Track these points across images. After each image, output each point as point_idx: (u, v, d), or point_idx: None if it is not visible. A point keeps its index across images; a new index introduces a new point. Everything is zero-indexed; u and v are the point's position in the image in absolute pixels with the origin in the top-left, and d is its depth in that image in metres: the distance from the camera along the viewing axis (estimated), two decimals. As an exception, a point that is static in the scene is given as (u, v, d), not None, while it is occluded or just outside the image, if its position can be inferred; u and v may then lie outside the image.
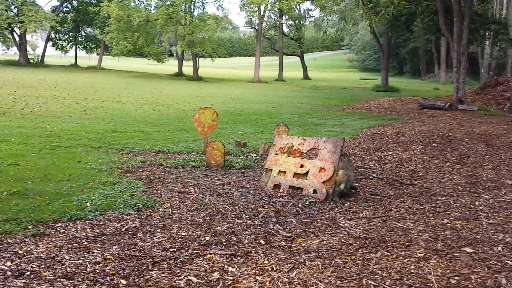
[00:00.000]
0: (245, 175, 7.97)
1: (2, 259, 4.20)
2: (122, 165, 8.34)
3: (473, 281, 3.98)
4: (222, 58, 69.21)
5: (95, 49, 55.22)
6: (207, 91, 28.79)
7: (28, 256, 4.29)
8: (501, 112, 19.66)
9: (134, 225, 5.28)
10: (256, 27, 44.99)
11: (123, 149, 9.89)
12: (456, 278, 4.02)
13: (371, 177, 7.87)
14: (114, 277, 3.93)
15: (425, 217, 5.80)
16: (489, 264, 4.36)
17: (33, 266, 4.09)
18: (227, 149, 9.52)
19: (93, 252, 4.44)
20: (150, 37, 41.27)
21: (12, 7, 47.45)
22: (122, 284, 3.81)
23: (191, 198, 6.44)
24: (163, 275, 4.00)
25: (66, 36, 54.95)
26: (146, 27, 39.37)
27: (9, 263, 4.11)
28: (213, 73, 49.86)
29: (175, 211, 5.84)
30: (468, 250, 4.70)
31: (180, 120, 14.80)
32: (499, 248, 4.78)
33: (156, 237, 4.92)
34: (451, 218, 5.80)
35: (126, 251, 4.50)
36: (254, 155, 9.72)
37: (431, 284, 3.88)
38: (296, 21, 50.76)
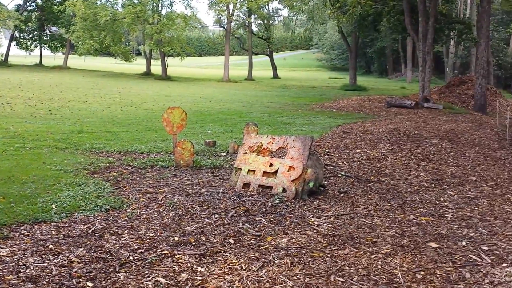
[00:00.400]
0: (214, 174, 7.95)
1: (-37, 264, 4.08)
2: (89, 166, 8.20)
3: (438, 275, 4.06)
4: (191, 57, 68.82)
5: (61, 48, 54.10)
6: (176, 90, 28.58)
7: (-9, 260, 4.18)
8: (465, 110, 20.12)
9: (101, 226, 5.20)
10: (225, 26, 44.88)
11: (89, 149, 9.74)
12: (422, 273, 4.09)
13: (339, 175, 7.94)
14: (80, 279, 3.86)
15: (392, 214, 5.88)
16: (454, 258, 4.45)
17: (-4, 270, 3.98)
18: (196, 148, 9.48)
19: (59, 255, 4.35)
20: (117, 36, 40.68)
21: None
22: (89, 286, 3.75)
23: (159, 199, 6.38)
24: (131, 276, 3.94)
25: (31, 35, 53.70)
26: (113, 26, 38.79)
27: (-30, 268, 4.00)
28: (182, 72, 49.52)
29: (143, 212, 5.77)
30: (433, 245, 4.79)
31: (148, 120, 14.66)
32: (463, 243, 4.88)
33: (124, 238, 4.85)
34: (417, 214, 5.90)
35: (92, 253, 4.42)
36: (224, 154, 9.70)
37: (397, 279, 3.94)
38: (265, 21, 50.89)
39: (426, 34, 20.93)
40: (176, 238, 4.88)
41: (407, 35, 27.80)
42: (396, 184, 7.53)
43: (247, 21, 48.37)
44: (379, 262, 4.28)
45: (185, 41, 42.76)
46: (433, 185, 7.54)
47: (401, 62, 61.41)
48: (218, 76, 43.98)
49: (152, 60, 45.77)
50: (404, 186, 7.39)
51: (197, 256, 4.42)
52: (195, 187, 7.04)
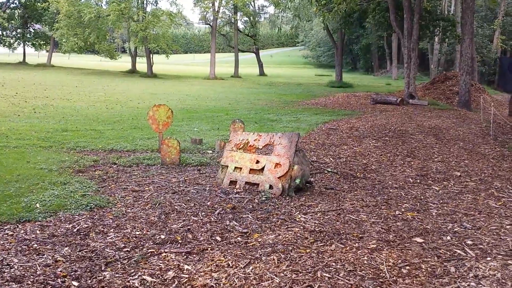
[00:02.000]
0: (201, 172, 7.92)
1: None
2: (73, 164, 8.13)
3: (423, 270, 4.09)
4: (177, 54, 68.49)
5: (45, 46, 53.51)
6: (162, 88, 28.44)
7: (-26, 261, 4.12)
8: (450, 106, 20.30)
9: (86, 225, 5.16)
10: (211, 24, 44.74)
11: (74, 148, 9.65)
12: (407, 267, 4.12)
13: (326, 172, 7.97)
14: (66, 279, 3.82)
15: (377, 209, 5.92)
16: (439, 253, 4.49)
17: (-21, 270, 3.93)
18: (182, 146, 9.44)
19: (43, 254, 4.31)
20: (102, 34, 40.34)
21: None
22: (74, 286, 3.71)
23: (145, 197, 6.35)
24: (117, 275, 3.92)
25: (14, 33, 53.04)
26: (97, 23, 38.48)
27: (-47, 269, 3.94)
28: (168, 70, 49.30)
29: (129, 210, 5.74)
30: (419, 240, 4.82)
31: (134, 118, 14.57)
32: (448, 238, 4.93)
33: (109, 237, 4.82)
34: (403, 210, 5.94)
35: (78, 252, 4.38)
36: (210, 152, 9.67)
37: (383, 274, 3.97)
38: (251, 18, 50.79)
39: (411, 31, 21.07)
40: (163, 236, 4.86)
41: (392, 32, 28.01)
42: (382, 180, 7.58)
43: (233, 18, 48.26)
44: (365, 258, 4.30)
45: (170, 38, 42.55)
46: (418, 181, 7.59)
47: (386, 59, 61.76)
48: (205, 73, 43.87)
49: (137, 58, 45.49)
50: (390, 182, 7.44)
51: (183, 254, 4.40)
52: (181, 185, 7.01)
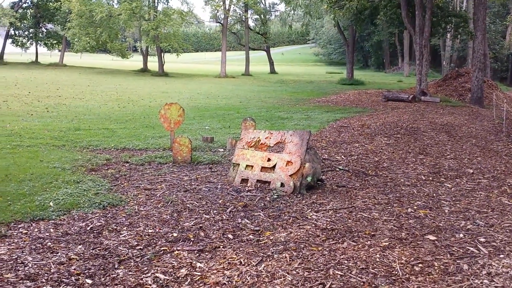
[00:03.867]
0: (212, 170, 7.94)
1: (-39, 262, 4.07)
2: (86, 163, 8.19)
3: (436, 267, 4.07)
4: (188, 53, 68.66)
5: (57, 46, 53.90)
6: (173, 86, 28.54)
7: (-11, 259, 4.17)
8: (462, 103, 20.15)
9: (99, 223, 5.20)
10: (222, 22, 44.78)
11: (87, 147, 9.72)
12: (420, 265, 4.11)
13: (337, 169, 7.95)
14: (79, 277, 3.86)
15: (389, 207, 5.90)
16: (452, 250, 4.47)
17: (-5, 268, 3.98)
18: (194, 144, 9.47)
19: (57, 252, 4.35)
20: (114, 33, 40.57)
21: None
22: (88, 283, 3.75)
23: (158, 195, 6.38)
24: (130, 273, 3.95)
25: (26, 33, 53.48)
26: (109, 23, 38.68)
27: (-31, 266, 3.99)
28: (179, 68, 49.43)
29: (142, 208, 5.78)
30: (431, 237, 4.80)
31: (145, 116, 14.64)
32: (461, 235, 4.90)
33: (122, 235, 4.86)
34: (415, 207, 5.92)
35: (91, 250, 4.42)
36: (222, 150, 9.69)
37: (396, 272, 3.95)
38: (262, 16, 50.77)
39: (422, 28, 20.92)
40: (175, 234, 4.88)
41: (404, 28, 27.80)
42: (394, 177, 7.54)
43: (243, 16, 48.27)
44: (378, 255, 4.29)
45: (181, 37, 42.68)
46: (430, 178, 7.55)
47: (398, 56, 61.41)
48: (215, 72, 43.93)
49: (148, 57, 45.66)
50: (402, 180, 7.40)
51: (196, 251, 4.42)
52: (193, 183, 7.03)
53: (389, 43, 61.54)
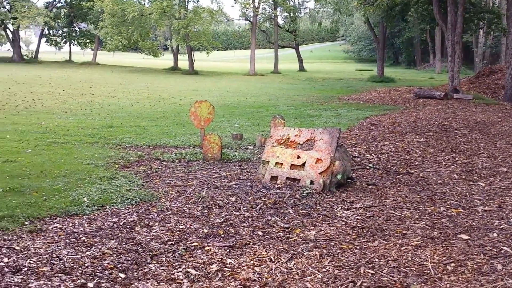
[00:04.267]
0: (242, 167, 7.99)
1: (-2, 256, 4.20)
2: (119, 159, 8.33)
3: (469, 267, 4.02)
4: (217, 51, 69.01)
5: (90, 44, 54.92)
6: (203, 84, 28.74)
7: (25, 252, 4.29)
8: (495, 101, 19.72)
9: (132, 219, 5.29)
10: (251, 20, 44.85)
11: (119, 144, 9.88)
12: (453, 264, 4.06)
13: (367, 167, 7.89)
14: (113, 271, 3.94)
15: (421, 206, 5.83)
16: (485, 250, 4.39)
17: (31, 262, 4.08)
18: (223, 142, 9.52)
19: (91, 247, 4.45)
20: (145, 32, 41.09)
21: (5, 3, 47.18)
22: (121, 277, 3.83)
23: (188, 192, 6.45)
24: (162, 268, 4.01)
25: (60, 32, 54.64)
26: (140, 22, 39.18)
27: (6, 260, 4.10)
28: (208, 66, 49.72)
29: (173, 205, 5.85)
30: (464, 237, 4.73)
31: (176, 114, 14.79)
32: (495, 235, 4.81)
33: (154, 230, 4.93)
34: (447, 206, 5.83)
35: (124, 245, 4.51)
36: (251, 147, 9.73)
37: (428, 271, 3.91)
38: (291, 13, 50.63)
39: (455, 24, 20.54)
40: (206, 230, 4.93)
41: (435, 25, 27.36)
42: (426, 176, 7.45)
43: (273, 14, 48.25)
44: (409, 254, 4.26)
45: (211, 35, 42.91)
46: (463, 177, 7.43)
47: (429, 53, 60.41)
48: (245, 69, 44.03)
49: (179, 55, 46.08)
50: (434, 178, 7.30)
51: (226, 248, 4.46)
52: (223, 180, 7.09)
53: (420, 39, 60.54)
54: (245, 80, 34.47)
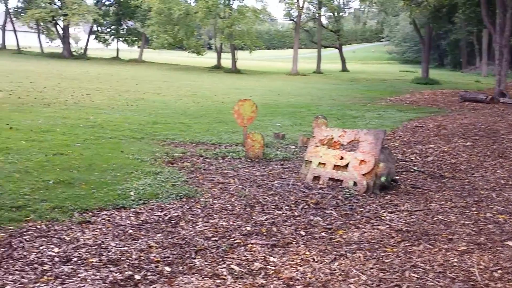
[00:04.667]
0: (284, 166, 8.00)
1: (49, 245, 4.35)
2: (164, 155, 8.48)
3: (518, 275, 3.92)
4: (259, 50, 69.20)
5: (136, 42, 56.08)
6: (245, 83, 28.89)
7: (75, 243, 4.43)
8: (547, 105, 19.02)
9: (176, 214, 5.39)
10: (295, 19, 44.76)
11: (164, 140, 10.05)
12: (499, 271, 3.97)
13: (412, 170, 7.78)
14: (159, 264, 4.03)
15: (467, 211, 5.71)
16: (535, 259, 4.28)
17: (80, 252, 4.22)
18: (265, 141, 9.56)
19: (138, 240, 4.56)
20: (190, 30, 41.61)
21: (56, 0, 48.70)
22: (167, 271, 3.91)
23: (231, 189, 6.52)
24: (206, 263, 4.08)
25: (108, 29, 56.00)
26: (186, 20, 39.70)
27: (56, 249, 4.26)
28: (250, 65, 49.90)
29: (216, 201, 5.93)
30: (511, 243, 4.62)
31: (219, 112, 14.93)
32: (545, 243, 4.67)
33: (198, 226, 5.01)
34: (494, 212, 5.70)
35: (169, 239, 4.60)
36: (293, 147, 9.73)
37: (474, 277, 3.84)
38: (335, 13, 50.27)
39: (503, 27, 19.93)
40: (248, 228, 4.98)
41: (483, 27, 26.66)
42: (472, 180, 7.28)
43: (317, 14, 48.02)
44: (455, 260, 4.19)
45: (255, 34, 43.06)
46: (510, 183, 7.22)
47: (476, 55, 58.74)
48: (287, 69, 43.97)
49: (222, 53, 46.46)
50: (480, 183, 7.14)
51: (269, 246, 4.49)
52: (265, 179, 7.13)
53: (467, 42, 58.96)
54: (287, 79, 34.45)
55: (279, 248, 4.46)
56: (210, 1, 37.44)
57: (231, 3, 42.55)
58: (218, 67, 44.03)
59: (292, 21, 47.59)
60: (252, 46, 41.16)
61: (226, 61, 45.13)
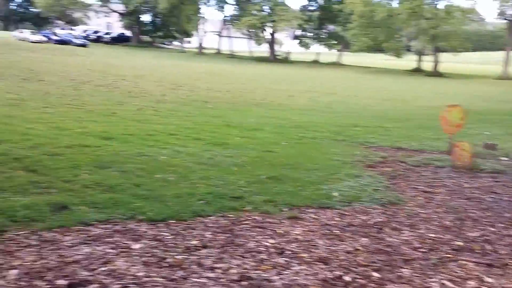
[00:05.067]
0: (496, 180, 7.38)
1: (265, 236, 4.65)
2: (364, 159, 8.46)
3: None
4: (466, 52, 64.81)
5: (336, 46, 57.07)
6: (448, 87, 27.36)
7: (287, 237, 4.66)
8: None
9: (380, 219, 5.33)
10: (510, 19, 40.84)
11: (363, 143, 10.04)
12: None
13: None
14: (367, 268, 4.03)
15: None
16: None
17: (291, 246, 4.42)
18: (473, 150, 8.94)
19: (344, 241, 4.62)
20: (391, 32, 40.84)
21: (265, 7, 52.09)
22: (375, 277, 3.88)
23: (437, 199, 6.23)
24: (415, 274, 3.95)
25: (310, 34, 57.99)
26: (387, 22, 39.07)
27: (271, 241, 4.53)
28: (453, 68, 46.96)
29: (421, 211, 5.71)
30: None
31: (420, 117, 14.38)
32: None
33: (404, 235, 4.89)
34: None
35: (375, 245, 4.57)
36: (506, 159, 8.92)
37: None
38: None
39: None
40: (459, 243, 4.70)
41: None
42: None
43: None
44: None
45: (462, 35, 40.48)
46: None
47: None
48: (494, 73, 40.38)
49: (421, 56, 44.71)
50: None
51: (483, 264, 4.19)
52: (474, 191, 6.66)
53: None
54: (496, 84, 31.71)
55: (495, 269, 4.13)
56: (415, 1, 36.20)
57: (436, 3, 40.58)
58: (417, 70, 42.46)
59: (506, 21, 43.48)
60: (458, 48, 38.72)
61: (426, 64, 43.21)
